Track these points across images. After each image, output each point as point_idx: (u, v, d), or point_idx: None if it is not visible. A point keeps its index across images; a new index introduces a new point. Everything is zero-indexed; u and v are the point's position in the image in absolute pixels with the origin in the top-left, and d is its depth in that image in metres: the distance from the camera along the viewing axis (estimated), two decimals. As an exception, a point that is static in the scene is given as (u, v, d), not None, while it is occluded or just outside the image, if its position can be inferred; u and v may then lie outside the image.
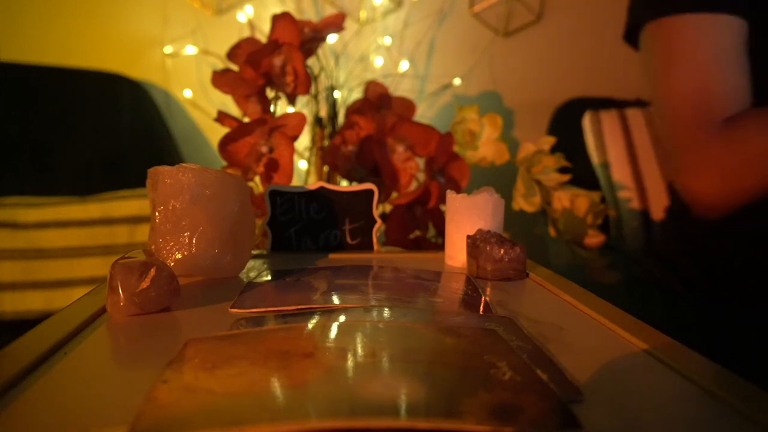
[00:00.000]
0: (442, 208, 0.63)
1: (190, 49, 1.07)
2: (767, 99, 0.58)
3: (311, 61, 0.72)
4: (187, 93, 1.08)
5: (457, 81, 1.14)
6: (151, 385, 0.19)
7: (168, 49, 1.08)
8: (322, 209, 0.50)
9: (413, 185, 0.65)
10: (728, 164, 0.56)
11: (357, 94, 0.83)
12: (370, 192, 0.50)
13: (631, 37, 0.70)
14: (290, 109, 0.68)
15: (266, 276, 0.39)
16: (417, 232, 0.65)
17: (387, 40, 1.10)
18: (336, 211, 0.50)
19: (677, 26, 0.61)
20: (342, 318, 0.29)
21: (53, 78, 0.94)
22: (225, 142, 0.57)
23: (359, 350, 0.22)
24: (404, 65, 1.10)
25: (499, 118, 0.68)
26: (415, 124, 0.64)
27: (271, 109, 0.65)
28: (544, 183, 0.67)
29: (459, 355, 0.22)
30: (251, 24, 1.06)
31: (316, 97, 0.80)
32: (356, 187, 0.50)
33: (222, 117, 0.61)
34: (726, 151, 0.56)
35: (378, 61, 1.09)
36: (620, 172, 0.90)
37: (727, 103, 0.58)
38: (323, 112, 0.80)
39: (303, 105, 0.88)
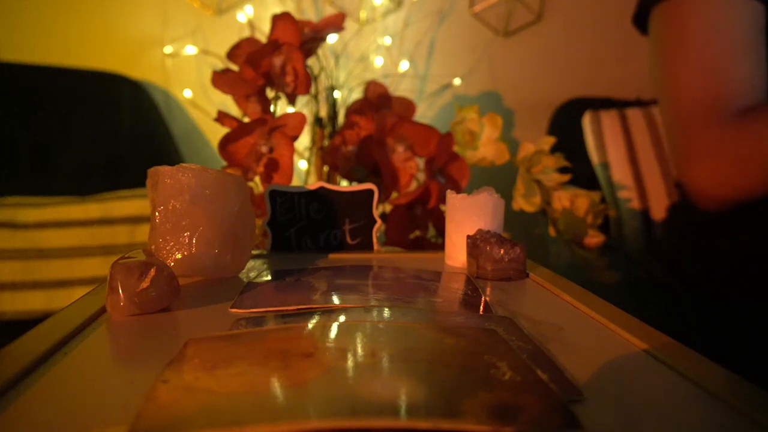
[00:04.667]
0: (442, 208, 0.63)
1: (190, 49, 1.07)
2: None
3: (311, 61, 0.72)
4: (187, 93, 1.08)
5: (457, 81, 1.14)
6: (151, 385, 0.19)
7: (168, 49, 1.08)
8: (322, 209, 0.50)
9: (413, 185, 0.65)
10: (737, 156, 0.54)
11: (357, 94, 0.83)
12: (370, 192, 0.50)
13: (640, 20, 0.67)
14: (290, 109, 0.68)
15: (266, 276, 0.39)
16: (417, 232, 0.65)
17: (387, 40, 1.10)
18: (336, 211, 0.50)
19: (691, 8, 0.57)
20: (342, 318, 0.29)
21: (53, 78, 0.94)
22: (225, 142, 0.57)
23: (359, 350, 0.22)
24: (404, 65, 1.10)
25: (499, 118, 0.68)
26: (415, 124, 0.64)
27: (271, 109, 0.65)
28: (544, 183, 0.67)
29: (459, 355, 0.22)
30: (251, 24, 1.06)
31: (316, 97, 0.80)
32: (356, 187, 0.50)
33: (222, 117, 0.61)
34: (737, 142, 0.54)
35: (378, 61, 1.09)
36: (620, 172, 0.90)
37: (741, 92, 0.55)
38: (323, 112, 0.80)
39: (303, 105, 0.88)
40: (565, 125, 0.99)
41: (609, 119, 0.93)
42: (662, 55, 0.62)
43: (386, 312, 0.30)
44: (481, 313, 0.31)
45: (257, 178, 0.60)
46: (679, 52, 0.59)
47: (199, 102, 1.09)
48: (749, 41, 0.56)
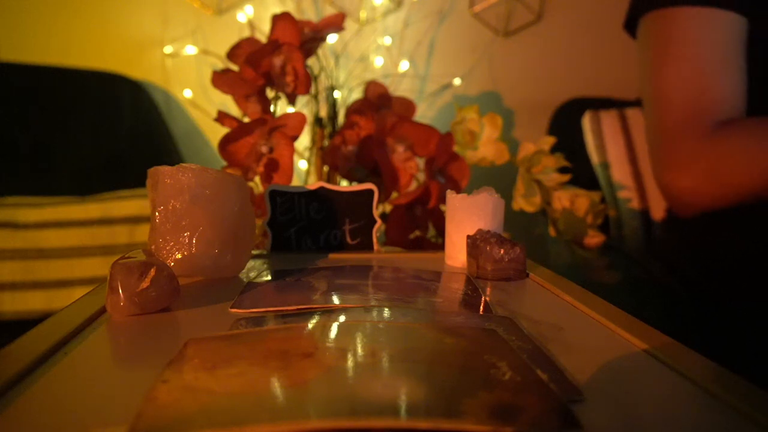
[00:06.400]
0: (442, 208, 0.63)
1: (190, 49, 1.07)
2: (765, 98, 0.58)
3: (311, 61, 0.72)
4: (187, 93, 1.08)
5: (457, 81, 1.14)
6: (151, 385, 0.19)
7: (168, 49, 1.08)
8: (322, 209, 0.50)
9: (413, 185, 0.65)
10: (712, 168, 0.56)
11: (357, 94, 0.83)
12: (370, 192, 0.50)
13: (631, 25, 0.69)
14: (290, 109, 0.68)
15: (266, 276, 0.39)
16: (417, 232, 0.65)
17: (387, 40, 1.10)
18: (336, 211, 0.50)
19: (676, 19, 0.59)
20: (342, 318, 0.29)
21: (53, 78, 0.94)
22: (225, 142, 0.57)
23: (359, 350, 0.22)
24: (404, 65, 1.10)
25: (499, 118, 0.68)
26: (415, 124, 0.64)
27: (271, 109, 0.65)
28: (544, 183, 0.67)
29: (459, 355, 0.22)
30: (251, 24, 1.06)
31: (316, 97, 0.80)
32: (356, 187, 0.50)
33: (222, 117, 0.61)
34: (712, 155, 0.56)
35: (378, 61, 1.09)
36: (620, 172, 0.90)
37: (721, 103, 0.57)
38: (323, 112, 0.80)
39: (303, 105, 0.88)
40: (565, 125, 0.99)
41: (609, 119, 0.93)
42: (647, 65, 0.63)
43: (386, 312, 0.30)
44: (481, 313, 0.31)
45: (257, 178, 0.60)
46: (662, 62, 0.61)
47: (199, 102, 1.09)
48: (731, 54, 0.58)
